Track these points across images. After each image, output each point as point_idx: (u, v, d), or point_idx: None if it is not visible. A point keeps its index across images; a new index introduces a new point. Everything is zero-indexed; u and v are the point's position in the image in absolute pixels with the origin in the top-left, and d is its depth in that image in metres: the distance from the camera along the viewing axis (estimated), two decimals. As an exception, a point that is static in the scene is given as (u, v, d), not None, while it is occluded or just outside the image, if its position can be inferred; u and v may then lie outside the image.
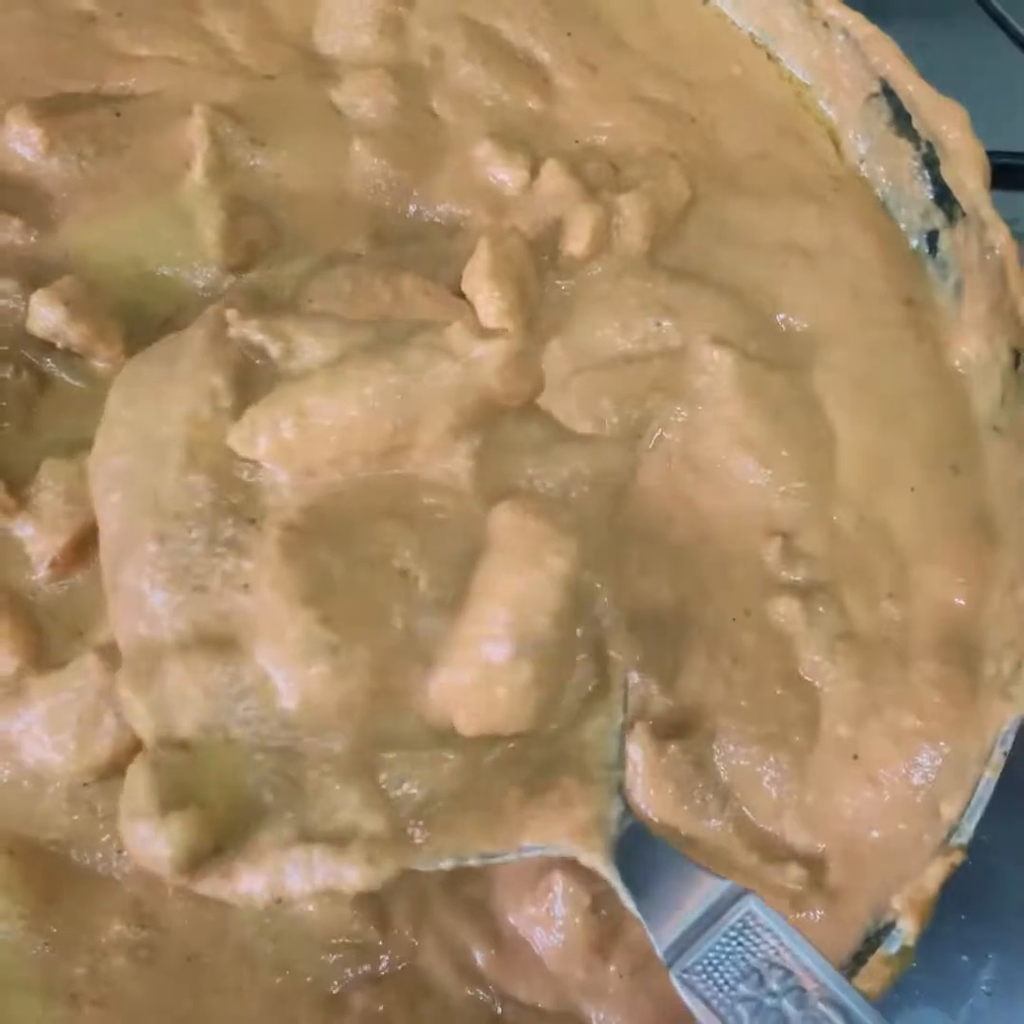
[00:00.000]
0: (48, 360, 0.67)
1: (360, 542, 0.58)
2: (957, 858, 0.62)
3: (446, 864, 0.55)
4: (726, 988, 0.54)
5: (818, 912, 0.63)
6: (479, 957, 0.62)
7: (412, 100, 0.78)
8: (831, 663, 0.68)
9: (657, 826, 0.65)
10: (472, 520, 0.59)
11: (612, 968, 0.62)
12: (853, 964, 0.62)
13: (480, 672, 0.55)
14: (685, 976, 0.54)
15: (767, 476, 0.71)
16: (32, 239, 0.70)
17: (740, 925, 0.55)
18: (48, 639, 0.62)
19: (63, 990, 0.59)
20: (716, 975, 0.55)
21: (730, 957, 0.55)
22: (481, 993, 0.62)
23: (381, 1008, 0.60)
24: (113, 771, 0.60)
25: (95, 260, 0.70)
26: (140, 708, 0.55)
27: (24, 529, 0.63)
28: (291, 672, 0.55)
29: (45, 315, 0.65)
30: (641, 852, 0.57)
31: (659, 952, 0.55)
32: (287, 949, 0.61)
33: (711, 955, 0.55)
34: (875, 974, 0.60)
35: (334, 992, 0.61)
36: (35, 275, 0.68)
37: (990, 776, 0.63)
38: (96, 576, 0.62)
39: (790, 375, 0.74)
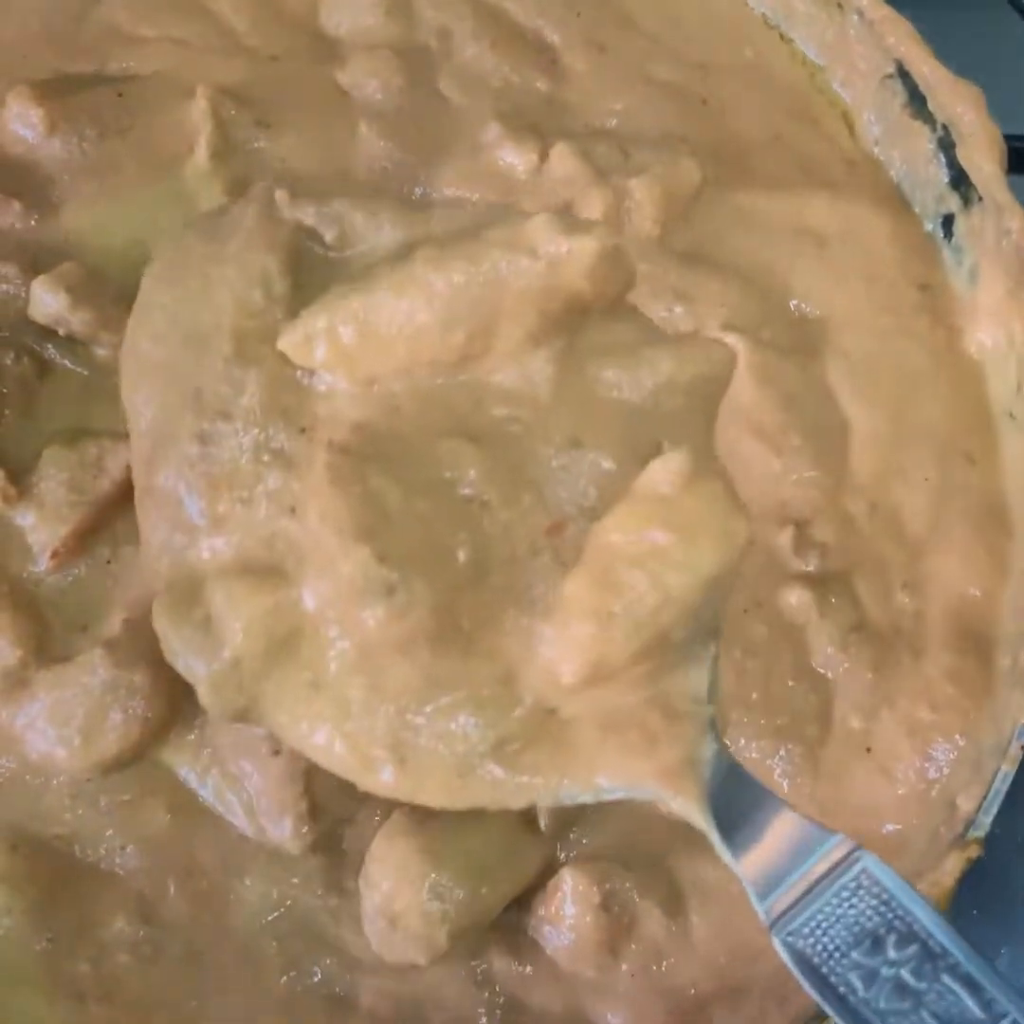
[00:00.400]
0: (49, 346, 0.66)
1: (420, 465, 0.54)
2: (974, 852, 0.61)
3: (518, 804, 0.52)
4: (837, 955, 0.49)
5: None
6: (491, 961, 0.61)
7: (419, 81, 0.77)
8: (844, 654, 0.67)
9: (665, 818, 0.64)
10: (551, 433, 0.55)
11: (624, 967, 0.61)
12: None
13: (599, 627, 0.50)
14: (790, 939, 0.50)
15: (779, 465, 0.70)
16: (33, 222, 0.69)
17: (853, 884, 0.50)
18: (50, 631, 0.61)
19: (68, 987, 0.59)
20: (825, 939, 0.50)
21: (841, 920, 0.50)
22: (489, 995, 0.61)
23: (388, 1009, 0.60)
24: (118, 767, 0.60)
25: (97, 244, 0.69)
26: (176, 644, 0.53)
27: (25, 518, 0.62)
28: (344, 612, 0.51)
29: (47, 302, 0.64)
30: (738, 798, 0.52)
31: (760, 911, 0.51)
32: (292, 949, 0.61)
33: (820, 917, 0.50)
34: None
35: (340, 993, 0.60)
36: (36, 259, 0.67)
37: (1007, 769, 0.63)
38: (99, 567, 0.62)
39: (802, 362, 0.73)
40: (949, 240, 0.77)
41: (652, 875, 0.62)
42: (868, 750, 0.66)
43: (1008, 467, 0.72)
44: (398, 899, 0.58)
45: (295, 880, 0.61)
